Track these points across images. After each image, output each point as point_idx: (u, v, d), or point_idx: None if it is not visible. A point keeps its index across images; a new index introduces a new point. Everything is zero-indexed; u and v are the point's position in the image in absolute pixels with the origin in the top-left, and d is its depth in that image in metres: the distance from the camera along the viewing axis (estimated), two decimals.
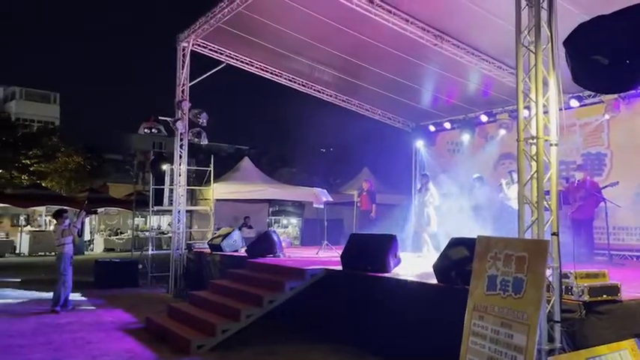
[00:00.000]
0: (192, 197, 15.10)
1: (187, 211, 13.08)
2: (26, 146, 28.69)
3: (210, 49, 12.06)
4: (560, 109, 4.63)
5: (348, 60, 11.31)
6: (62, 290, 8.90)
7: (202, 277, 10.71)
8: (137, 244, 17.39)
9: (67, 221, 9.25)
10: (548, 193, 4.56)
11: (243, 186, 15.98)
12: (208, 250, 10.99)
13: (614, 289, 4.53)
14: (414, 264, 8.02)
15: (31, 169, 28.35)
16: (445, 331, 4.87)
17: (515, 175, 8.32)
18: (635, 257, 10.10)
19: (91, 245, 23.90)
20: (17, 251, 21.47)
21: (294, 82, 13.10)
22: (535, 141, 4.56)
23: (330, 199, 11.08)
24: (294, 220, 26.39)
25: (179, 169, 11.90)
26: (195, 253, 11.66)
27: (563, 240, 4.50)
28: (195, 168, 17.39)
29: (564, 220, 8.94)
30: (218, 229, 12.52)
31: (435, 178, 11.61)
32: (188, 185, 12.77)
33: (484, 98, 12.28)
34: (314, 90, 13.41)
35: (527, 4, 4.77)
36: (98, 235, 24.86)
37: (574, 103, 10.90)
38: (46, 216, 23.33)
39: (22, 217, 22.73)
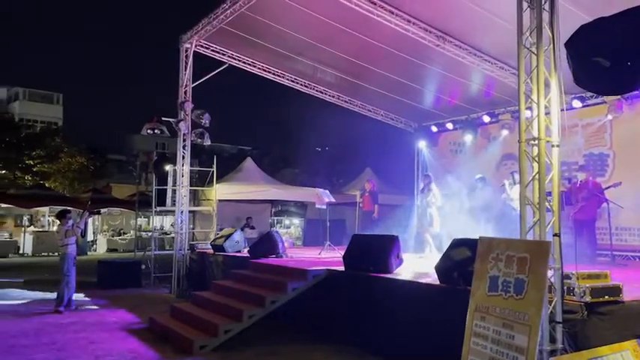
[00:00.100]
0: (195, 198, 15.08)
1: (190, 212, 13.10)
2: (29, 147, 28.73)
3: (213, 50, 12.09)
4: (562, 110, 4.63)
5: (350, 61, 11.33)
6: (65, 290, 8.95)
7: (205, 278, 10.72)
8: (140, 244, 17.46)
9: (71, 222, 9.28)
10: (550, 194, 4.57)
11: (246, 186, 15.99)
12: (211, 251, 10.99)
13: (616, 290, 4.53)
14: (417, 265, 8.03)
15: (35, 169, 28.38)
16: (447, 331, 4.88)
17: (517, 176, 8.30)
18: (637, 258, 10.08)
19: (94, 245, 23.91)
20: (21, 251, 21.54)
21: (297, 83, 13.12)
22: (537, 142, 4.57)
23: (333, 199, 11.05)
24: (296, 221, 26.44)
25: (182, 169, 11.93)
26: (197, 254, 11.67)
27: (566, 241, 4.50)
28: (197, 168, 17.34)
29: (567, 220, 8.95)
30: (221, 229, 12.54)
31: (438, 179, 11.58)
32: (191, 186, 12.77)
33: (486, 99, 12.28)
34: (316, 91, 13.42)
35: (528, 6, 4.78)
36: (101, 235, 24.86)
37: (576, 103, 10.90)
38: (49, 216, 23.33)
39: (25, 218, 22.78)
